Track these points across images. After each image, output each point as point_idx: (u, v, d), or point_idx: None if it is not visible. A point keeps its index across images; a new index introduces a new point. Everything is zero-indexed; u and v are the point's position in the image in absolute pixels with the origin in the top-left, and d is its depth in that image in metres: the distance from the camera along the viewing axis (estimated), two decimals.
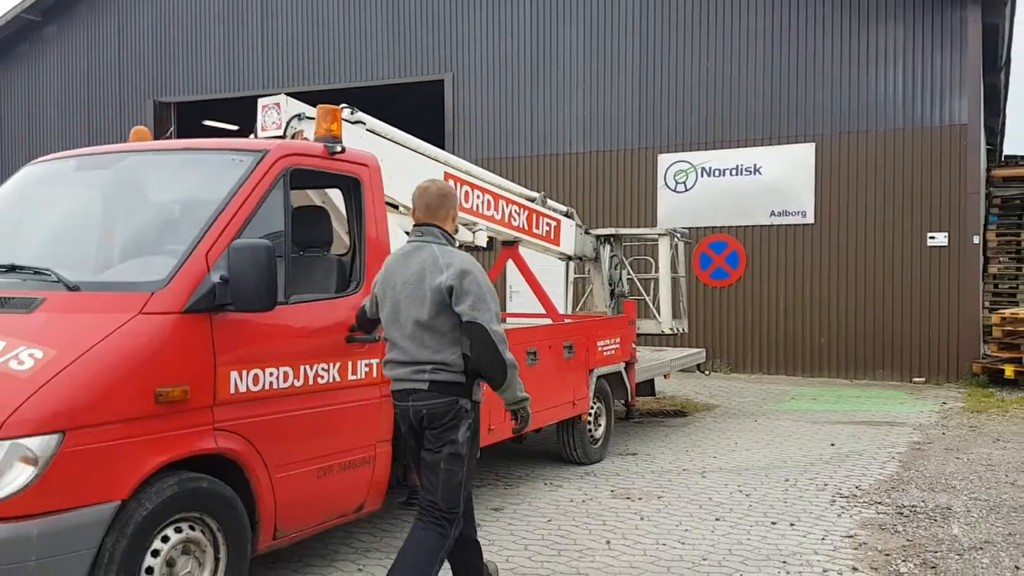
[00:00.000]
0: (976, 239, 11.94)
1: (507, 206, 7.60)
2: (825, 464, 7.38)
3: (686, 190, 13.60)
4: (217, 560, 3.73)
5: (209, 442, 3.69)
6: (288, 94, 15.68)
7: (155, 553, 3.48)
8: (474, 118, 14.92)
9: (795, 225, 12.94)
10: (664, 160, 13.70)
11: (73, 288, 3.71)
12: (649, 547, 5.10)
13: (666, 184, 13.71)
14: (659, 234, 10.19)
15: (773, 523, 5.62)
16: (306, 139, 5.38)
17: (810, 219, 12.84)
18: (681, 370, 10.15)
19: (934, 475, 6.92)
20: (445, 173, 6.81)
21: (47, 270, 3.83)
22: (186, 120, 18.91)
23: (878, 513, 5.87)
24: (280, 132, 5.44)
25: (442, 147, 14.88)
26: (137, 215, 4.39)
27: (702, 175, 13.48)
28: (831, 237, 12.69)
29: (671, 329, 9.95)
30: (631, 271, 10.00)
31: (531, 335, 6.41)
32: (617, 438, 8.34)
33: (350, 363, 4.41)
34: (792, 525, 5.58)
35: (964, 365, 11.81)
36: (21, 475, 3.17)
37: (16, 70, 19.77)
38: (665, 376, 9.46)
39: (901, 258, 12.26)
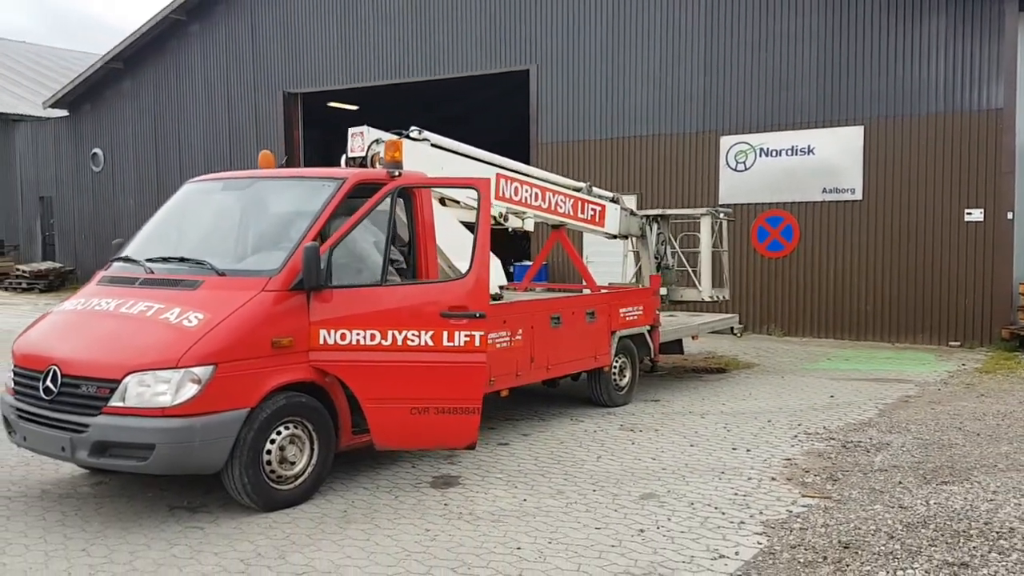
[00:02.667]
0: (1010, 215, 12.81)
1: (553, 196, 9.34)
2: (813, 411, 8.87)
3: (745, 169, 14.90)
4: (312, 450, 5.76)
5: (305, 374, 5.68)
6: (394, 84, 17.98)
7: (272, 441, 5.52)
8: (554, 104, 16.62)
9: (845, 201, 14.08)
10: (726, 142, 15.03)
11: (221, 273, 5.78)
12: (627, 461, 6.87)
13: (727, 164, 15.05)
14: (702, 213, 11.67)
15: (734, 449, 7.27)
16: (383, 158, 7.29)
17: (859, 196, 13.96)
18: (714, 332, 11.66)
19: (898, 421, 8.32)
20: (497, 174, 8.64)
21: (205, 261, 5.91)
22: (312, 107, 21.30)
23: (827, 446, 7.40)
24: (363, 153, 7.37)
25: (527, 131, 16.80)
26: (262, 222, 6.44)
27: (760, 155, 14.76)
28: (878, 212, 13.80)
29: (711, 297, 11.48)
30: (675, 246, 11.56)
31: (555, 304, 8.22)
32: (651, 388, 10.05)
33: (446, 333, 5.88)
34: (748, 451, 7.20)
35: (996, 331, 12.82)
36: (191, 390, 5.23)
37: (166, 64, 22.62)
38: (693, 337, 11.00)
39: (941, 232, 13.29)
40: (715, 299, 11.57)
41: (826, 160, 14.16)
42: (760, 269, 14.83)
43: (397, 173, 6.49)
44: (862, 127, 13.81)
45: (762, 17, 14.52)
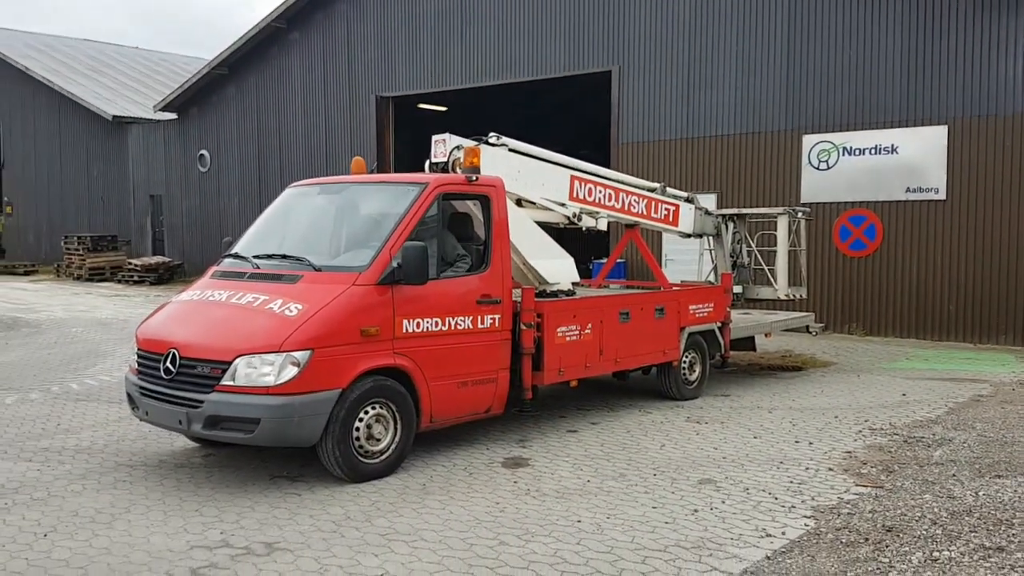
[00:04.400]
0: None
1: (627, 197, 9.75)
2: (883, 408, 9.04)
3: (828, 168, 14.96)
4: (396, 429, 6.36)
5: (390, 360, 6.28)
6: (480, 87, 18.67)
7: (360, 419, 6.15)
8: (636, 104, 16.96)
9: (928, 201, 14.03)
10: (808, 141, 15.12)
11: (318, 269, 6.43)
12: (690, 450, 7.25)
13: (809, 163, 15.13)
14: (779, 212, 11.86)
15: (796, 441, 7.56)
16: (462, 163, 7.85)
17: (942, 196, 13.89)
18: (791, 330, 11.83)
19: (966, 419, 8.42)
20: (571, 176, 9.11)
21: (304, 257, 6.58)
22: (403, 109, 22.14)
23: (889, 441, 7.61)
24: (445, 159, 7.93)
25: (604, 131, 17.18)
26: (353, 223, 7.09)
27: (843, 154, 14.80)
28: (961, 212, 13.71)
29: (787, 295, 11.67)
30: (751, 245, 11.80)
31: (624, 300, 8.64)
32: (723, 384, 10.35)
33: (479, 317, 6.88)
34: (810, 444, 7.48)
35: None
36: (291, 371, 5.88)
37: (268, 70, 23.83)
38: (766, 335, 11.23)
39: None
40: (791, 298, 11.76)
41: (909, 159, 14.13)
42: (842, 268, 14.88)
43: (475, 178, 7.06)
44: (946, 126, 13.74)
45: (844, 15, 14.56)
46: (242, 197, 24.73)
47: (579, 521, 5.44)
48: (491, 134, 8.35)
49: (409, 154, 22.52)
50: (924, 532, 5.20)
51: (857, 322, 14.81)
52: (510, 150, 8.48)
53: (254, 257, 6.88)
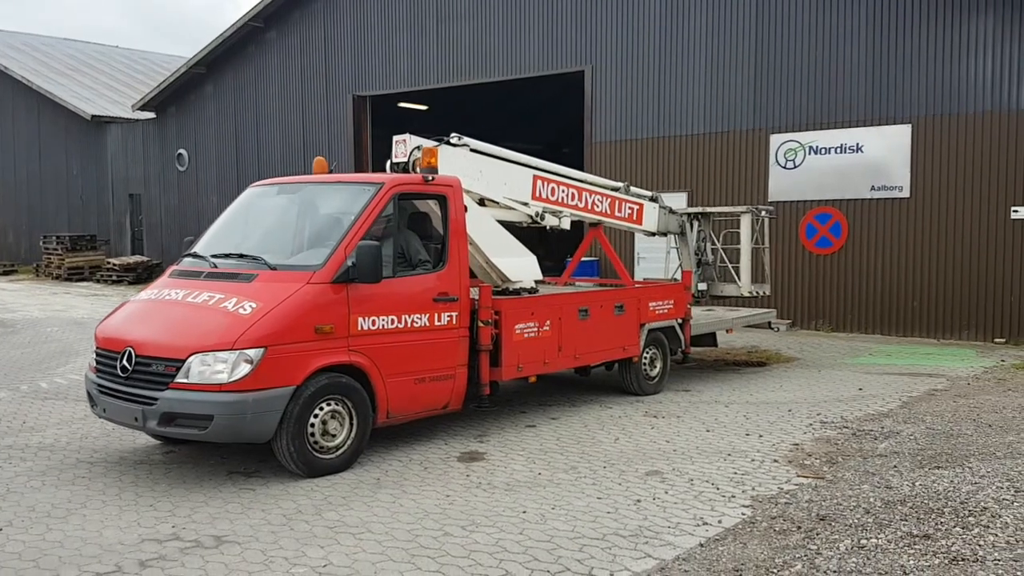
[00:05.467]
0: None
1: (590, 196, 9.90)
2: (838, 402, 9.23)
3: (795, 167, 15.17)
4: (351, 425, 6.50)
5: (345, 357, 6.42)
6: (456, 86, 18.82)
7: (315, 416, 6.27)
8: (608, 104, 17.12)
9: (893, 199, 14.25)
10: (775, 140, 15.32)
11: (273, 268, 6.56)
12: (642, 443, 7.42)
13: (777, 162, 15.34)
14: (742, 211, 12.05)
15: (747, 434, 7.74)
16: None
17: (906, 193, 14.11)
18: (754, 326, 12.03)
19: (918, 412, 8.62)
20: (534, 176, 9.25)
21: (260, 257, 6.70)
22: (383, 108, 22.22)
23: (838, 434, 7.80)
24: (406, 159, 8.06)
25: (581, 129, 17.34)
26: (310, 223, 7.22)
27: (810, 153, 15.00)
28: (925, 209, 13.94)
29: (750, 292, 11.86)
30: (716, 243, 11.99)
31: (584, 297, 8.79)
32: (685, 379, 10.53)
33: (436, 314, 7.02)
34: (760, 436, 7.66)
35: None
36: (244, 369, 6.00)
37: (246, 68, 23.86)
38: (728, 331, 11.41)
39: (987, 229, 13.38)
40: (754, 295, 11.94)
41: (874, 158, 14.35)
42: (808, 266, 15.09)
43: (431, 178, 7.20)
44: (910, 125, 13.96)
45: (811, 16, 14.76)
46: (220, 196, 24.72)
47: (524, 512, 5.60)
48: (453, 135, 8.48)
49: (390, 153, 22.65)
50: (856, 521, 5.38)
51: (823, 318, 15.03)
52: (472, 150, 8.62)
53: (212, 256, 7.00)
